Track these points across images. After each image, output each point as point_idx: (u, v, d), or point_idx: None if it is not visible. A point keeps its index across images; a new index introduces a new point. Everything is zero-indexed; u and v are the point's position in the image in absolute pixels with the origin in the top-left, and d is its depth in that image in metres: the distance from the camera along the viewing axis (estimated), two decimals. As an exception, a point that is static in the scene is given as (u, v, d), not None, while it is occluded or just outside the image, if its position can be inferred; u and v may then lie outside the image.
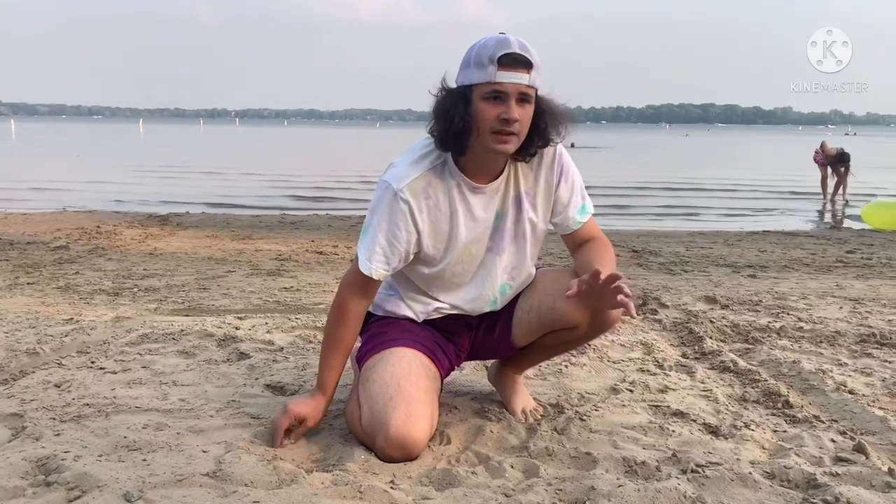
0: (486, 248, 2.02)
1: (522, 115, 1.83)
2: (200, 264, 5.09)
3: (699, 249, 6.27)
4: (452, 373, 2.31)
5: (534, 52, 1.83)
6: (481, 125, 1.83)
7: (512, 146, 1.86)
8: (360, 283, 1.97)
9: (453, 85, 1.89)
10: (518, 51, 1.80)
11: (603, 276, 1.75)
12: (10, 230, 6.64)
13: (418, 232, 1.93)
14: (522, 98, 1.83)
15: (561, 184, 2.03)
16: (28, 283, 4.23)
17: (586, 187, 2.10)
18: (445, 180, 1.95)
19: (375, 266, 1.93)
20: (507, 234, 2.03)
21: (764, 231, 7.91)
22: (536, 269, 2.18)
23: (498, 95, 1.81)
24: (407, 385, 1.87)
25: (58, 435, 1.95)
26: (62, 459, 1.76)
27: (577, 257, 2.07)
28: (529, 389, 2.33)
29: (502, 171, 1.98)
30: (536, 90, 1.87)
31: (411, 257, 1.98)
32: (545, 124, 1.91)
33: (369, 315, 2.12)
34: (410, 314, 2.09)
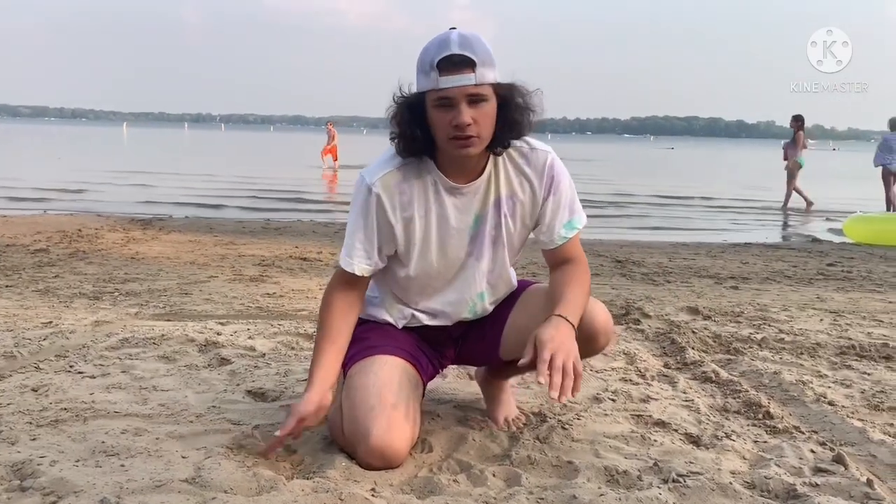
0: (466, 253, 1.97)
1: (478, 116, 1.74)
2: (182, 269, 5.05)
3: (682, 260, 6.30)
4: (436, 379, 2.30)
5: (479, 46, 1.72)
6: (438, 133, 1.78)
7: (474, 149, 1.79)
8: (344, 281, 1.95)
9: (409, 89, 1.81)
10: (458, 51, 1.69)
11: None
12: (-10, 232, 6.56)
13: (390, 225, 1.90)
14: (473, 99, 1.73)
15: (550, 198, 1.94)
16: (6, 287, 4.18)
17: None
18: (422, 177, 1.89)
19: (357, 262, 1.91)
20: (486, 238, 1.96)
21: (746, 243, 7.96)
22: (528, 282, 2.16)
23: (445, 102, 1.74)
24: (388, 394, 1.86)
25: (34, 440, 1.92)
26: (38, 464, 1.74)
27: (552, 279, 1.99)
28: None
29: (483, 169, 1.91)
30: (493, 85, 1.75)
31: (390, 252, 1.95)
32: (512, 115, 1.81)
33: None
34: (390, 319, 2.07)
